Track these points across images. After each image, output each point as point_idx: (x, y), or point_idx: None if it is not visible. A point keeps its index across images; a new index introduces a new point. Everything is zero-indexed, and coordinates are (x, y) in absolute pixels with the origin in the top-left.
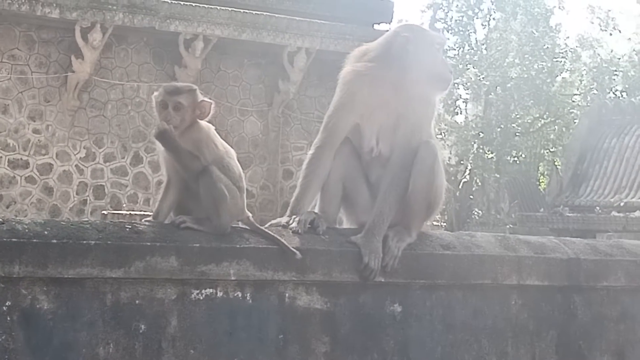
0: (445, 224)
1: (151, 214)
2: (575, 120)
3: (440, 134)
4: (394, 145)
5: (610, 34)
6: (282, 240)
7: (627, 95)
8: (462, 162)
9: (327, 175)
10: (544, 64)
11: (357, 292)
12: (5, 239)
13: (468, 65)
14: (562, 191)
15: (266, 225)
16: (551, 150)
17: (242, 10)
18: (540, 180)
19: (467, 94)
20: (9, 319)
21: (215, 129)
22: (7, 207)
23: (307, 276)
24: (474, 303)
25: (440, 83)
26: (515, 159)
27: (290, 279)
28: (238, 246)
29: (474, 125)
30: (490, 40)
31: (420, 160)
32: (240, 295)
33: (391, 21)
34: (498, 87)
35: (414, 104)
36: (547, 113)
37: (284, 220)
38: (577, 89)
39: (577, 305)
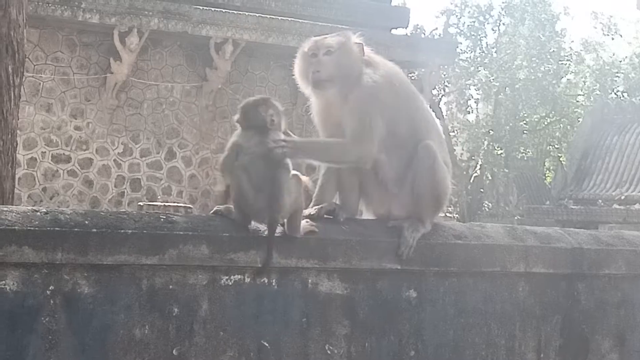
0: (457, 215)
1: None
2: (579, 119)
3: (453, 131)
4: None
5: (612, 38)
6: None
7: (628, 95)
8: (473, 157)
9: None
10: (550, 66)
11: (375, 278)
12: (49, 228)
13: (479, 68)
14: (567, 185)
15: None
16: (556, 147)
17: (268, 16)
18: (546, 175)
19: (478, 94)
20: (52, 302)
21: None
22: (51, 199)
23: (329, 263)
24: (484, 289)
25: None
26: (523, 155)
27: (313, 266)
28: (265, 235)
29: (484, 124)
30: (500, 44)
31: (419, 161)
32: (266, 281)
33: (407, 26)
34: (507, 88)
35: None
36: (552, 112)
37: (306, 211)
38: (581, 90)
39: (580, 292)
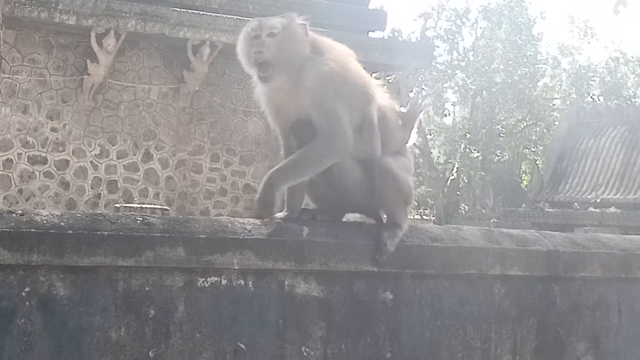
0: (434, 218)
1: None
2: (555, 123)
3: (430, 134)
4: None
5: (589, 42)
6: None
7: (603, 99)
8: (450, 160)
9: None
10: (526, 70)
11: (351, 280)
12: (24, 230)
13: (456, 71)
14: (543, 188)
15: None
16: (533, 150)
17: (245, 19)
18: (523, 178)
19: (455, 97)
20: (27, 304)
21: (221, 129)
22: (27, 200)
23: (305, 265)
24: (460, 291)
25: None
26: (500, 158)
27: (290, 268)
28: (241, 237)
29: (461, 127)
30: (477, 47)
31: (381, 172)
32: (243, 283)
33: (384, 29)
34: (484, 91)
35: None
36: (529, 115)
37: (281, 214)
38: (557, 94)
39: (556, 294)
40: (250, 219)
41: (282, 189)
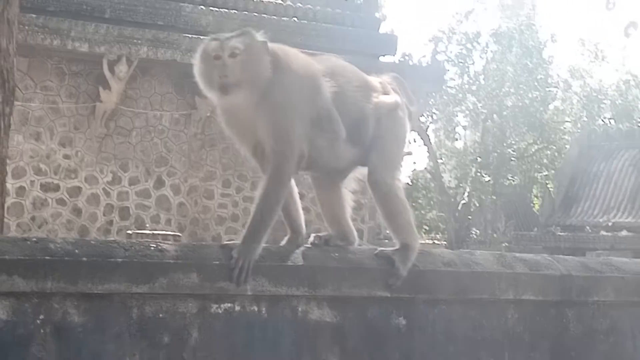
0: (445, 242)
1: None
2: (566, 146)
3: (441, 158)
4: None
5: (599, 65)
6: None
7: (615, 122)
8: (461, 185)
9: None
10: (537, 93)
11: (364, 306)
12: (39, 257)
13: (467, 95)
14: (555, 212)
15: (279, 245)
16: (544, 173)
17: None
18: (534, 202)
19: (465, 121)
20: (42, 331)
21: (232, 155)
22: (39, 227)
23: (319, 291)
24: (473, 316)
25: None
26: (511, 182)
27: (303, 294)
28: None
29: (472, 151)
30: (488, 71)
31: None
32: (256, 309)
33: (395, 53)
34: (495, 115)
35: None
36: (540, 139)
37: (285, 238)
38: (568, 117)
39: (569, 319)
40: (262, 245)
41: (259, 251)
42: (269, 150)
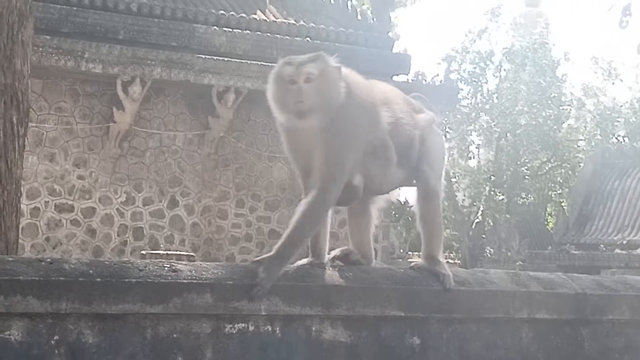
0: (459, 261)
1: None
2: (580, 164)
3: (455, 177)
4: None
5: (613, 83)
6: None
7: (629, 140)
8: (474, 203)
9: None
10: (550, 111)
11: (378, 325)
12: (53, 278)
13: (480, 113)
14: (569, 230)
15: (294, 265)
16: (558, 192)
17: (270, 64)
18: (548, 220)
19: (479, 140)
20: (56, 352)
21: (246, 175)
22: (54, 248)
23: (332, 311)
24: (487, 335)
25: None
26: (525, 200)
27: (317, 314)
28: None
29: (485, 170)
30: (501, 89)
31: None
32: (270, 329)
33: (409, 72)
34: (508, 134)
35: None
36: (554, 157)
37: (307, 260)
38: (582, 135)
39: (584, 338)
40: None
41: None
42: (318, 173)
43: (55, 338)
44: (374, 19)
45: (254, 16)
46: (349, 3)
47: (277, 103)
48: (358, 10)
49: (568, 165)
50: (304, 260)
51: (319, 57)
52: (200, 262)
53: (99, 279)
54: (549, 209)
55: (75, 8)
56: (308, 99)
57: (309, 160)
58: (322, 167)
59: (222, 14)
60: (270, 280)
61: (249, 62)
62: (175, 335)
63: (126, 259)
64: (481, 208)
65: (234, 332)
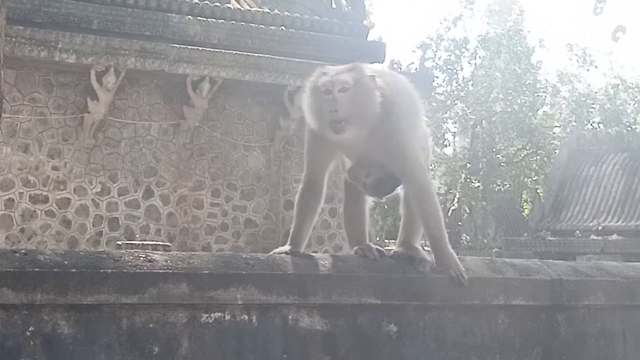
0: None
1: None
2: (555, 151)
3: (431, 165)
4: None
5: (588, 70)
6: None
7: (603, 126)
8: (450, 191)
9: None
10: (526, 98)
11: (355, 313)
12: (28, 269)
13: (456, 101)
14: (544, 217)
15: (270, 253)
16: (533, 178)
17: (245, 53)
18: (524, 207)
19: (455, 127)
20: (32, 343)
21: (222, 164)
22: (29, 239)
23: (309, 299)
24: (464, 322)
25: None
26: (500, 187)
27: (293, 302)
28: (244, 272)
29: (461, 157)
30: (476, 77)
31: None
32: (246, 318)
33: (384, 61)
34: (484, 121)
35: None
36: (529, 144)
37: (285, 248)
38: (557, 122)
39: (560, 323)
40: (252, 254)
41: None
42: (398, 172)
43: (30, 329)
44: (349, 7)
45: (228, 5)
46: None
47: (312, 114)
48: None
49: (543, 152)
50: (282, 249)
51: (354, 68)
52: (176, 252)
53: (74, 270)
54: (524, 196)
55: None
56: (343, 109)
57: (353, 157)
58: (399, 167)
59: (196, 3)
60: (461, 272)
61: (223, 51)
62: (151, 325)
63: (101, 250)
64: (457, 195)
65: (210, 321)
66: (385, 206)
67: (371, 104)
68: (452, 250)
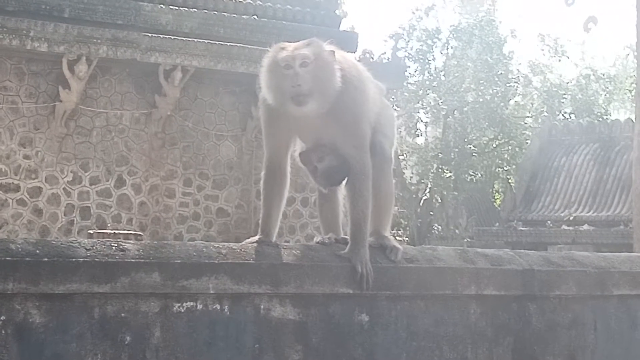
0: (407, 238)
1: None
2: (527, 141)
3: (403, 155)
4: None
5: (559, 60)
6: None
7: (575, 116)
8: (422, 181)
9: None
10: (498, 88)
11: (327, 303)
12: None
13: (428, 91)
14: (516, 207)
15: (242, 243)
16: (505, 169)
17: (217, 42)
18: (496, 197)
19: (427, 117)
20: (3, 332)
21: (193, 154)
22: (0, 228)
23: (281, 289)
24: (435, 312)
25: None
26: (472, 177)
27: (265, 292)
28: (216, 262)
29: (433, 147)
30: (448, 67)
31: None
32: (218, 307)
33: (356, 50)
34: (456, 111)
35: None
36: (501, 134)
37: (256, 238)
38: (529, 112)
39: (531, 313)
40: (224, 243)
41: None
42: (346, 153)
43: (1, 318)
44: None
45: None
46: None
47: (272, 89)
48: None
49: (515, 142)
50: (254, 238)
51: (313, 42)
52: (148, 241)
53: (45, 259)
54: (496, 186)
55: None
56: (305, 83)
57: (307, 138)
58: (348, 147)
59: None
60: (367, 270)
61: (195, 40)
62: (123, 315)
63: (73, 239)
64: (429, 185)
65: (182, 310)
66: None
67: (332, 78)
68: (367, 246)
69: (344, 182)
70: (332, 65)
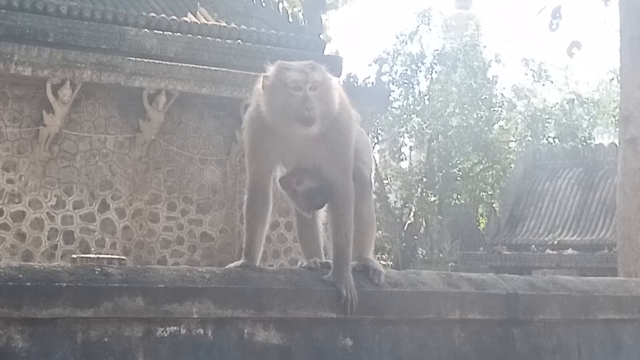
0: (391, 263)
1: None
2: (511, 165)
3: (387, 179)
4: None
5: (543, 85)
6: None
7: (559, 141)
8: (407, 205)
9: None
10: (482, 113)
11: (311, 327)
12: None
13: (412, 115)
14: (500, 231)
15: (226, 267)
16: (489, 193)
17: (201, 67)
18: (480, 221)
19: (411, 141)
20: None
21: (177, 178)
22: None
23: (265, 313)
24: (419, 336)
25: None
26: (456, 201)
27: (249, 316)
28: (200, 286)
29: (417, 171)
30: (433, 91)
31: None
32: (202, 332)
33: (340, 75)
34: (440, 135)
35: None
36: (485, 159)
37: (240, 262)
38: (513, 136)
39: (515, 338)
40: (208, 268)
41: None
42: (332, 178)
43: None
44: (305, 22)
45: (184, 18)
46: (280, 5)
47: (275, 109)
48: (289, 12)
49: (499, 167)
50: (237, 263)
51: (317, 66)
52: (132, 265)
53: (28, 283)
54: (480, 210)
55: (4, 10)
56: (316, 107)
57: (292, 162)
58: (334, 172)
59: (152, 16)
60: (352, 294)
61: (180, 64)
62: (106, 339)
63: (56, 263)
64: (413, 209)
65: (166, 335)
66: None
67: (334, 102)
68: (350, 270)
69: (324, 207)
70: (335, 91)
